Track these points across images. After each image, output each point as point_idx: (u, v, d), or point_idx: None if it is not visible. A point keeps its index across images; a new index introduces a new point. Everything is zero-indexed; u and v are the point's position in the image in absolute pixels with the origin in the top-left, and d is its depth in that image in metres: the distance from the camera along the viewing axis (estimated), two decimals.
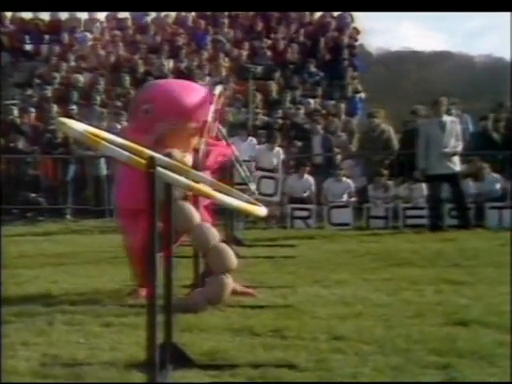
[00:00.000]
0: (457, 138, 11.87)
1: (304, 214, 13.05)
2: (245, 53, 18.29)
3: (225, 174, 8.17)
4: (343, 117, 15.80)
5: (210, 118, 6.49)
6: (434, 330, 5.29)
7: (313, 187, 13.45)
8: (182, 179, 4.42)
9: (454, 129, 11.90)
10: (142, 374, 4.22)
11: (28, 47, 19.10)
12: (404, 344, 4.90)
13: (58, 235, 12.18)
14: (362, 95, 18.10)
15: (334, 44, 18.64)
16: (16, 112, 16.17)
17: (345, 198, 13.22)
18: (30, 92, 17.21)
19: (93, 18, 19.68)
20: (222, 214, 8.63)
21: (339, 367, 4.45)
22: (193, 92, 6.79)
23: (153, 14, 19.70)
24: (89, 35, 19.22)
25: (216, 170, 7.06)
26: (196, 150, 6.37)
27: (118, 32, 19.21)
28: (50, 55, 18.37)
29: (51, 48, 18.60)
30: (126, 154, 4.29)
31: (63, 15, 19.60)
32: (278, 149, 13.49)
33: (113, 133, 4.92)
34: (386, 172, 13.43)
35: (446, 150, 11.68)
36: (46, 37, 19.22)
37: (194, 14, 19.68)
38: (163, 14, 19.67)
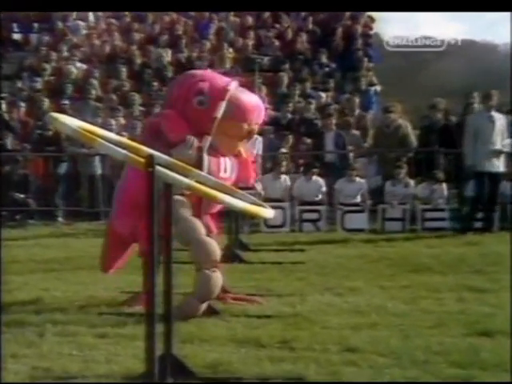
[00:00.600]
0: (503, 136, 11.91)
1: (314, 216, 13.06)
2: (250, 42, 18.30)
3: None
4: (357, 111, 15.79)
5: (219, 114, 6.52)
6: (455, 341, 5.30)
7: (323, 188, 13.42)
8: (183, 179, 4.43)
9: (503, 125, 11.95)
10: None
11: (17, 36, 19.13)
12: (423, 356, 4.91)
13: (49, 239, 12.18)
14: (377, 88, 18.05)
15: (348, 33, 18.62)
16: (4, 106, 16.20)
17: (358, 199, 13.21)
18: (19, 85, 17.24)
19: None
20: (226, 217, 8.64)
21: (352, 381, 4.46)
22: (249, 94, 6.87)
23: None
24: (82, 24, 19.26)
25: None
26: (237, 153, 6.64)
27: (113, 20, 19.23)
28: (40, 45, 18.42)
29: (41, 37, 18.65)
30: (123, 152, 4.31)
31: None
32: (284, 177, 13.48)
33: (108, 129, 4.94)
34: (405, 166, 13.35)
35: (496, 147, 11.72)
36: (36, 25, 19.26)
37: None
38: None
